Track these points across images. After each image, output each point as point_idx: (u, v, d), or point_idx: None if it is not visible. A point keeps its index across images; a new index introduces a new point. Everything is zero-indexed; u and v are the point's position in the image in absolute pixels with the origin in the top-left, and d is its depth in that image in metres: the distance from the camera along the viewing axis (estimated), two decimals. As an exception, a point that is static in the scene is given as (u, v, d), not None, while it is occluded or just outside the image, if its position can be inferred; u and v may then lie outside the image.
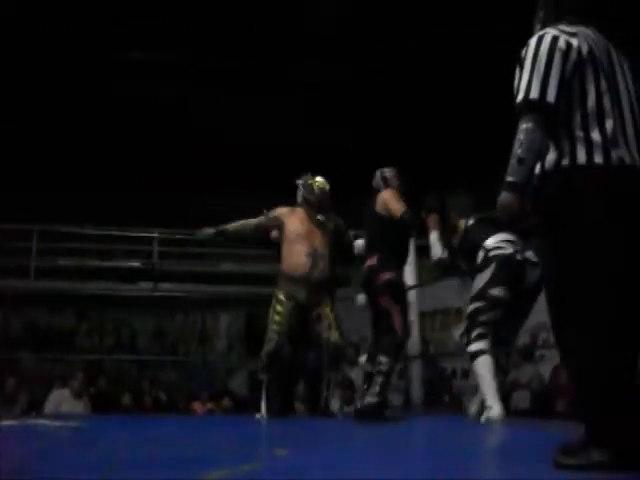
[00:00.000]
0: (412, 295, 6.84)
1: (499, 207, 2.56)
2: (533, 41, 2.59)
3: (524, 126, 2.50)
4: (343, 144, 11.60)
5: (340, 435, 4.46)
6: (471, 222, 5.32)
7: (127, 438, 4.25)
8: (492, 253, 4.94)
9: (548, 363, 8.00)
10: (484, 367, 4.73)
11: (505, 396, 4.99)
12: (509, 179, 2.52)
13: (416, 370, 6.82)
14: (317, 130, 11.44)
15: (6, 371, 9.41)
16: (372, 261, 5.23)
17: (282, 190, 6.29)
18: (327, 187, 6.16)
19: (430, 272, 7.61)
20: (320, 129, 11.43)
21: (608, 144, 2.46)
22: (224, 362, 11.85)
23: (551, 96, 2.48)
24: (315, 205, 6.07)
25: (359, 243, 6.10)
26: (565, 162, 2.50)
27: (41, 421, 5.58)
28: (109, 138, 11.66)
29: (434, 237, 5.45)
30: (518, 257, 4.92)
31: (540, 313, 7.81)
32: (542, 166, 2.55)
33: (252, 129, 11.57)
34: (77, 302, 11.46)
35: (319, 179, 6.18)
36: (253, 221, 6.15)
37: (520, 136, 2.50)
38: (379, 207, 5.36)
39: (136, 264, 11.08)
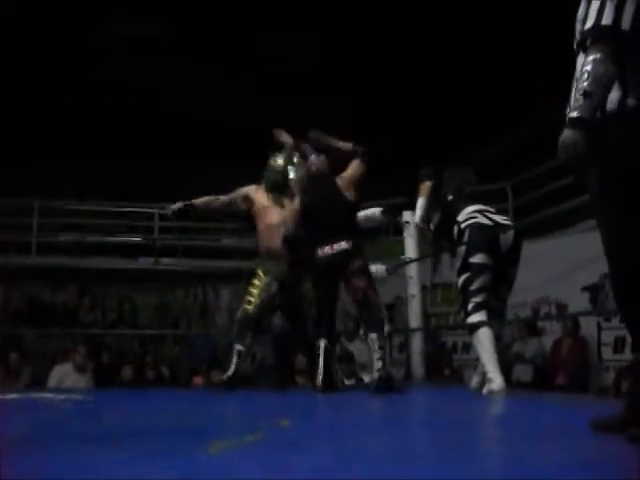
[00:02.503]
0: (413, 269, 6.86)
1: (560, 146, 2.29)
2: None
3: (592, 57, 2.24)
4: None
5: (343, 406, 4.49)
6: (450, 198, 5.33)
7: (131, 410, 4.28)
8: (464, 225, 4.96)
9: (549, 336, 8.04)
10: (485, 339, 4.73)
11: (506, 368, 5.00)
12: (573, 114, 2.26)
13: (417, 344, 6.83)
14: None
15: (9, 346, 9.44)
16: (346, 245, 5.26)
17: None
18: (278, 165, 6.19)
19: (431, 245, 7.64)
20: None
21: None
22: (225, 336, 11.89)
23: (626, 23, 2.22)
24: (267, 184, 6.19)
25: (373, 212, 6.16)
26: (631, 102, 2.26)
27: (45, 394, 5.63)
28: (111, 113, 11.61)
29: (419, 203, 5.53)
30: (487, 222, 4.92)
31: (541, 287, 7.92)
32: (602, 107, 2.28)
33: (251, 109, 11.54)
34: (79, 277, 11.47)
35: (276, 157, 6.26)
36: (224, 197, 6.18)
37: (587, 67, 2.24)
38: (346, 190, 5.42)
39: (137, 239, 11.09)
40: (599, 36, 2.25)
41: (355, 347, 7.71)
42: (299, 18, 9.92)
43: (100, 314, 11.94)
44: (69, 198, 11.10)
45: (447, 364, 9.09)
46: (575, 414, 3.30)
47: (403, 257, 6.91)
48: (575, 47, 2.47)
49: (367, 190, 6.01)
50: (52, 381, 8.09)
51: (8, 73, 10.69)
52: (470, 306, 4.80)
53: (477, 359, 5.22)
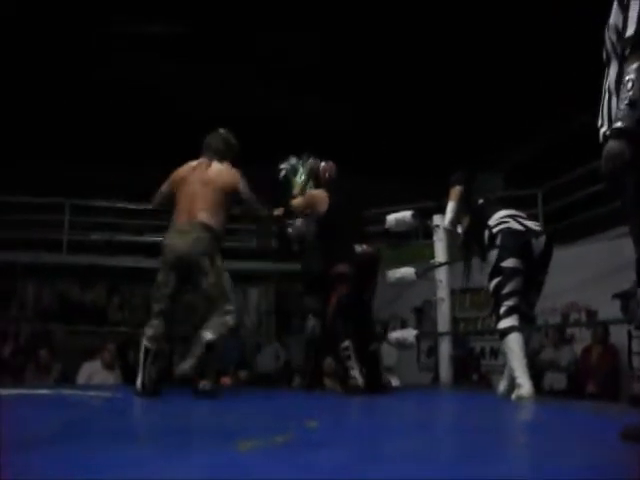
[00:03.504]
0: (443, 272, 6.83)
1: (605, 157, 2.28)
2: None
3: (636, 65, 2.21)
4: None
5: (370, 408, 4.49)
6: (480, 202, 5.32)
7: (160, 408, 4.31)
8: (495, 229, 4.93)
9: (578, 343, 7.98)
10: (515, 344, 4.69)
11: (536, 375, 4.96)
12: (617, 125, 2.24)
13: (445, 348, 6.80)
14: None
15: (39, 343, 9.55)
16: (372, 249, 5.54)
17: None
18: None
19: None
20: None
21: None
22: (254, 338, 11.91)
23: None
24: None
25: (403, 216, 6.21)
26: None
27: (74, 391, 5.68)
28: (142, 113, 11.68)
29: (450, 207, 5.54)
30: (520, 228, 4.90)
31: (571, 293, 7.86)
32: None
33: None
34: (108, 276, 11.56)
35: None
36: None
37: (631, 76, 2.21)
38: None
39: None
40: None
41: (382, 350, 7.68)
42: (308, 17, 9.91)
43: (128, 312, 12.02)
44: (99, 197, 11.20)
45: (475, 369, 9.05)
46: (603, 422, 3.28)
47: (432, 261, 6.88)
48: (605, 56, 2.45)
49: (397, 194, 6.03)
50: (81, 378, 8.17)
51: (41, 75, 10.82)
52: (502, 310, 4.77)
53: (504, 365, 5.20)
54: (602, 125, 2.44)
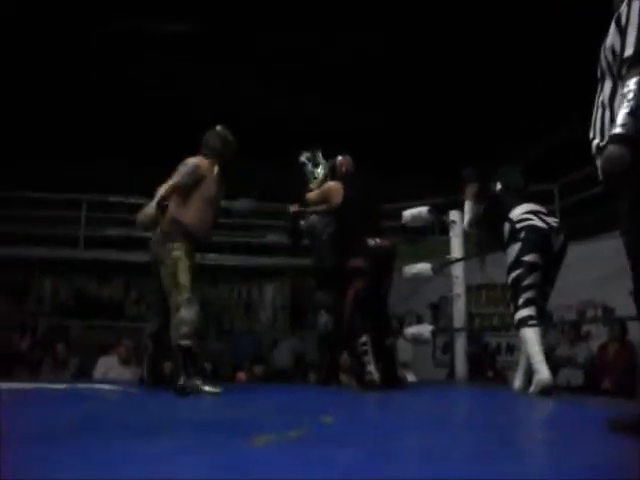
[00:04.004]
0: (459, 268, 6.81)
1: (605, 161, 2.42)
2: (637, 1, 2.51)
3: (636, 78, 2.41)
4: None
5: (385, 404, 4.49)
6: (499, 188, 5.31)
7: (175, 402, 4.33)
8: (519, 225, 4.95)
9: (594, 340, 7.94)
10: (532, 333, 4.72)
11: (552, 370, 4.94)
12: (618, 131, 2.40)
13: (460, 344, 6.78)
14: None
15: (56, 337, 9.60)
16: (388, 242, 5.53)
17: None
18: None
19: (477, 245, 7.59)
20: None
21: None
22: (269, 333, 11.93)
23: None
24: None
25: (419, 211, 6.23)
26: None
27: (91, 385, 5.71)
28: (157, 108, 11.72)
29: (467, 208, 5.59)
30: (543, 225, 4.91)
31: (587, 289, 7.82)
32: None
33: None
34: (125, 271, 11.60)
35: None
36: None
37: (631, 87, 2.41)
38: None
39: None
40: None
41: (398, 346, 7.68)
42: (310, 17, 9.95)
43: (145, 308, 12.06)
44: (115, 193, 11.24)
45: (490, 365, 9.03)
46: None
47: (449, 256, 6.87)
48: (599, 73, 2.64)
49: (414, 189, 6.02)
50: (97, 372, 8.21)
51: (54, 71, 10.89)
52: (521, 301, 4.81)
53: (520, 360, 5.21)
54: (594, 137, 2.64)
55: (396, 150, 11.89)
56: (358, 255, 5.37)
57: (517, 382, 5.26)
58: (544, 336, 5.11)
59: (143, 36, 10.50)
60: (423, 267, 6.67)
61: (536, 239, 4.86)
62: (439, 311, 9.93)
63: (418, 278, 6.89)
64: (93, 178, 11.60)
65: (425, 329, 6.72)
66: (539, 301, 4.89)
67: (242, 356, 10.72)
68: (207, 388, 4.68)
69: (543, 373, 4.63)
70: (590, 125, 2.66)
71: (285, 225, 6.58)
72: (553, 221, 5.04)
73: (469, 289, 7.47)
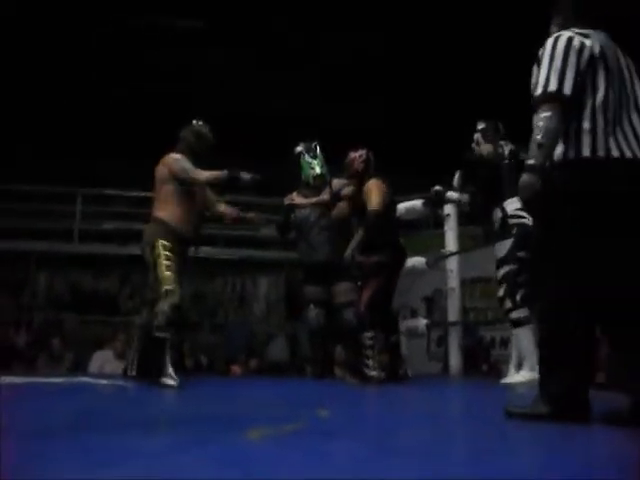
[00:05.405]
0: (453, 262, 6.84)
1: (521, 188, 2.81)
2: (550, 41, 2.85)
3: (543, 115, 2.75)
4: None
5: (381, 398, 4.50)
6: (506, 153, 5.34)
7: (171, 396, 4.35)
8: (512, 221, 5.03)
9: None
10: (529, 334, 4.78)
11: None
12: (529, 162, 2.78)
13: (455, 338, 6.82)
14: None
15: (52, 332, 9.60)
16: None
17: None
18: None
19: (472, 239, 7.60)
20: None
21: (611, 139, 2.72)
22: (263, 326, 11.94)
23: (567, 88, 2.74)
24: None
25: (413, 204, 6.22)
26: (571, 155, 2.76)
27: (87, 380, 5.72)
28: (155, 103, 11.71)
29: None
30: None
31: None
32: (551, 158, 2.80)
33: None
34: (120, 265, 11.59)
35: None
36: None
37: (540, 123, 2.76)
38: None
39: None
40: (547, 99, 2.77)
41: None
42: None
43: (140, 302, 12.05)
44: (110, 186, 11.22)
45: (485, 359, 9.04)
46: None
47: (443, 250, 6.89)
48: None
49: (414, 188, 6.02)
50: (93, 367, 8.22)
51: (48, 65, 10.88)
52: (518, 298, 4.86)
53: (512, 353, 5.27)
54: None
55: (396, 150, 11.88)
56: (382, 251, 5.35)
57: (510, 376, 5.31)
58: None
59: (141, 33, 10.49)
60: (418, 261, 6.70)
61: (527, 239, 4.90)
62: (433, 305, 9.94)
63: (413, 272, 6.91)
64: (89, 172, 11.59)
65: (420, 323, 6.74)
66: (532, 298, 4.92)
67: (236, 349, 10.73)
68: (168, 381, 4.70)
69: (528, 373, 4.72)
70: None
71: (278, 218, 6.55)
72: None
73: (464, 283, 7.50)
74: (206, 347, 11.14)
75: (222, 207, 5.62)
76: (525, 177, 2.79)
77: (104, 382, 5.33)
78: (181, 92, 11.56)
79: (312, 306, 6.22)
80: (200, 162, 5.27)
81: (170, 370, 4.73)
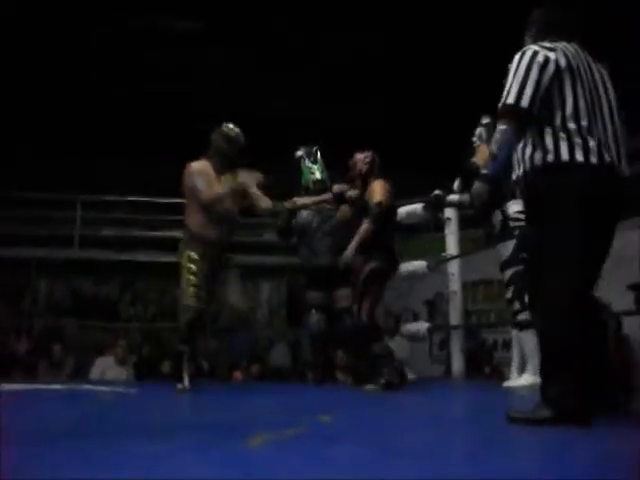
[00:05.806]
0: (454, 265, 6.82)
1: (472, 195, 3.00)
2: (517, 56, 2.95)
3: (500, 127, 2.87)
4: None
5: (384, 403, 4.48)
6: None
7: (173, 403, 4.33)
8: (513, 224, 5.01)
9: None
10: (535, 337, 4.77)
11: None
12: (483, 171, 2.97)
13: (457, 341, 6.79)
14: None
15: (52, 338, 9.59)
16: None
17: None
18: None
19: (473, 242, 7.58)
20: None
21: (588, 144, 2.79)
22: (265, 332, 11.92)
23: (525, 102, 2.83)
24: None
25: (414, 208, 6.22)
26: (550, 159, 2.82)
27: (88, 386, 5.70)
28: (155, 107, 11.72)
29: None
30: None
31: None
32: (531, 162, 2.87)
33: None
34: (121, 271, 11.59)
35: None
36: None
37: (497, 136, 2.88)
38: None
39: (179, 234, 11.13)
40: (505, 112, 2.88)
41: (395, 343, 7.68)
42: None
43: (141, 307, 12.05)
44: (110, 187, 11.22)
45: (487, 362, 9.02)
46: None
47: (444, 254, 6.87)
48: None
49: (414, 189, 5.99)
50: (94, 373, 8.20)
51: (49, 70, 10.87)
52: (526, 301, 4.85)
53: (515, 357, 5.25)
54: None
55: (396, 150, 11.87)
56: (378, 257, 5.18)
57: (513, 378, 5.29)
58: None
59: (141, 33, 10.50)
60: (419, 265, 6.68)
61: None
62: (435, 308, 9.93)
63: (414, 276, 6.89)
64: (89, 171, 11.61)
65: (422, 326, 6.72)
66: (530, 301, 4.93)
67: (238, 355, 10.70)
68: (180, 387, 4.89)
69: (530, 378, 4.73)
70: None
71: (278, 223, 6.49)
72: None
73: (465, 286, 7.48)
74: (207, 353, 11.11)
75: (265, 203, 5.45)
76: (476, 185, 2.96)
77: (105, 389, 5.31)
78: (181, 92, 11.59)
79: (314, 311, 6.19)
80: (236, 164, 5.27)
81: (186, 381, 4.90)
